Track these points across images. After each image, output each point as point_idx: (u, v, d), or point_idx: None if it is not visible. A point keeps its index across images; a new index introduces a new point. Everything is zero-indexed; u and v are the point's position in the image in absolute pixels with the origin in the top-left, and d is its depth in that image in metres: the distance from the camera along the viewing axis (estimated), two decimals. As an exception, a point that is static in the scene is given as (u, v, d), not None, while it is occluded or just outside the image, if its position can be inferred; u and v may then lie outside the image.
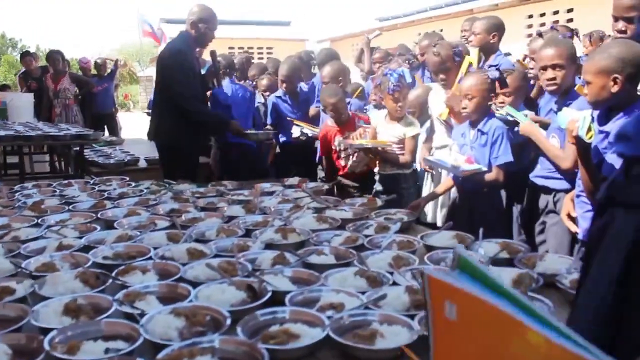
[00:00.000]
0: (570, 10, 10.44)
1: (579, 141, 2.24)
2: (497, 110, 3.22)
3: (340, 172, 4.19)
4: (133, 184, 3.71)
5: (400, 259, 2.09)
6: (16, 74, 12.77)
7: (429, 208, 3.92)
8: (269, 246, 2.28)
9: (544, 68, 2.92)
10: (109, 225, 2.69)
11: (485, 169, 3.15)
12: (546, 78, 2.92)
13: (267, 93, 5.31)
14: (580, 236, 2.52)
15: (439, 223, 3.80)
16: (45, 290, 1.78)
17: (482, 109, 3.21)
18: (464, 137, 3.32)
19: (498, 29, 4.35)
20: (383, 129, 3.87)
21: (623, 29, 2.52)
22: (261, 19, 21.17)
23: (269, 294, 1.72)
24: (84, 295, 1.71)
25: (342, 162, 4.16)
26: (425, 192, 3.97)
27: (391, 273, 1.93)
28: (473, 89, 3.20)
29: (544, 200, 3.04)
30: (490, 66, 4.04)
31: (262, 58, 14.20)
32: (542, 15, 11.04)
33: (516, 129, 3.13)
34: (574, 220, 2.61)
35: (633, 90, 2.32)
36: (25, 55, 10.21)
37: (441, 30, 14.03)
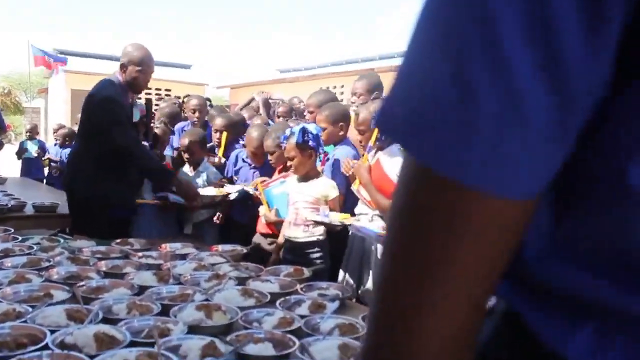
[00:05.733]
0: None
1: None
2: None
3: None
4: (20, 238, 3.18)
5: (347, 348, 1.84)
6: None
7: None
8: (192, 328, 1.96)
9: None
10: (-11, 294, 2.23)
11: None
12: None
13: None
14: None
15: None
16: None
17: None
18: None
19: (379, 87, 4.20)
20: (297, 190, 3.52)
21: None
22: (161, 59, 20.57)
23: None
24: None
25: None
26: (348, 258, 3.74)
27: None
28: None
29: None
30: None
31: (160, 99, 13.68)
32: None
33: None
34: None
35: None
36: None
37: (342, 87, 14.37)
